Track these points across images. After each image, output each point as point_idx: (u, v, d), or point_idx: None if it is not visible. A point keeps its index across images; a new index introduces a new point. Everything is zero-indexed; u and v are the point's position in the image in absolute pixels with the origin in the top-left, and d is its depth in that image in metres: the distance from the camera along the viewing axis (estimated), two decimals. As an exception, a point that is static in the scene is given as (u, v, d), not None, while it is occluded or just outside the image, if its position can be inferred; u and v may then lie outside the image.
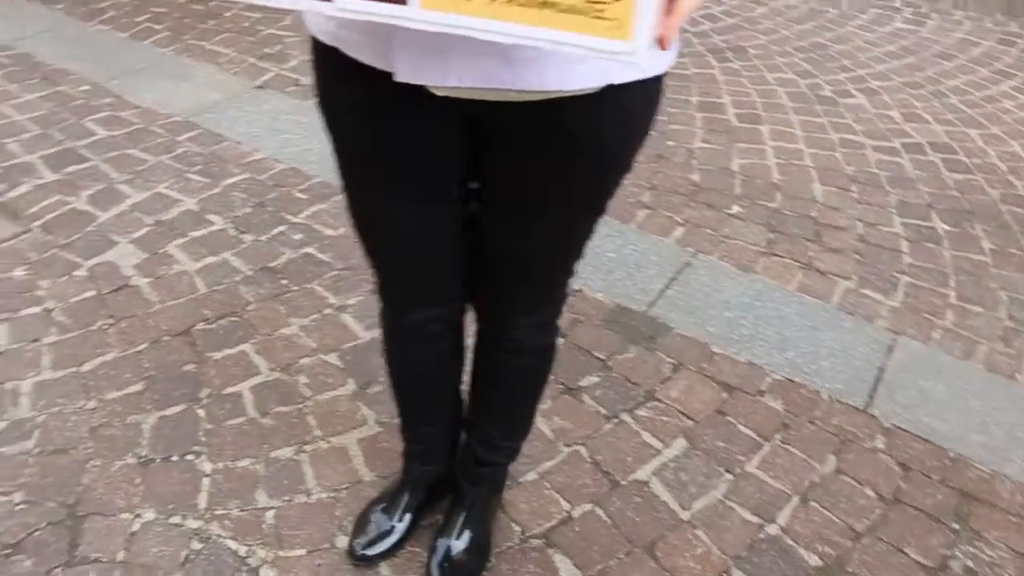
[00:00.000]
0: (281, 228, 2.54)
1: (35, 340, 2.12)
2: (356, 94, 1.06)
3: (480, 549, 1.65)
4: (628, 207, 2.71)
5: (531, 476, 1.83)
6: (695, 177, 2.92)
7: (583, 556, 1.68)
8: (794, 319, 2.29)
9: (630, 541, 1.71)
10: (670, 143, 3.11)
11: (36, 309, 2.22)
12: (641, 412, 1.99)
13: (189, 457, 1.84)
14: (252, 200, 2.67)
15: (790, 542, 1.72)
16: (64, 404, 1.95)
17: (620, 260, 2.46)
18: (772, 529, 1.75)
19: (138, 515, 1.72)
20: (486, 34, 0.66)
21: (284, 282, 2.33)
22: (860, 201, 2.85)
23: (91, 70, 3.47)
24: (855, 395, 2.06)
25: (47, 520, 1.71)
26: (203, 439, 1.88)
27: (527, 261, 1.24)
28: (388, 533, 1.65)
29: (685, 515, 1.77)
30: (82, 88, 3.34)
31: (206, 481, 1.79)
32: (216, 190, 2.72)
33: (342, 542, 1.68)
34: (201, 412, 1.94)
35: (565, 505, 1.77)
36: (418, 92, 0.97)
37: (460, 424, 1.65)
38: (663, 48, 0.70)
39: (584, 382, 2.06)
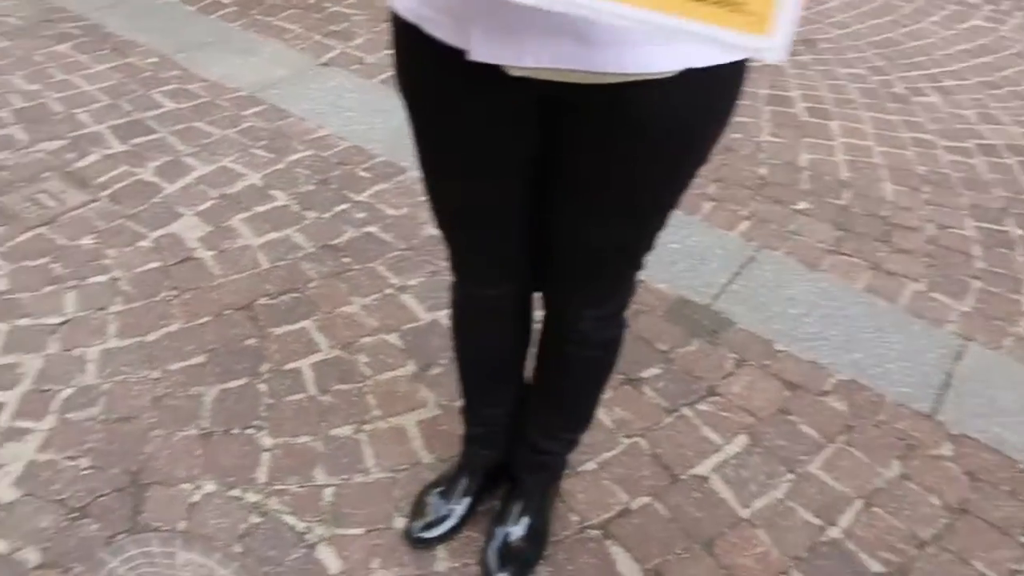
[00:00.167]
0: (344, 206, 2.55)
1: (102, 308, 2.15)
2: (433, 72, 1.06)
3: (537, 537, 1.64)
4: (694, 199, 2.67)
5: (590, 466, 1.81)
6: (762, 171, 2.87)
7: (641, 549, 1.66)
8: (860, 320, 2.24)
9: (689, 536, 1.69)
10: (737, 135, 3.05)
11: (103, 278, 2.25)
12: (702, 406, 1.97)
13: (249, 431, 1.85)
14: (315, 177, 2.68)
15: (852, 547, 1.69)
16: (128, 373, 1.98)
17: (684, 252, 2.42)
18: (834, 532, 1.71)
19: (199, 486, 1.74)
20: (616, 18, 0.63)
21: (346, 260, 2.33)
22: (931, 202, 2.78)
23: (159, 42, 3.50)
24: (921, 400, 2.01)
25: (112, 486, 1.73)
26: (263, 414, 1.89)
27: (597, 252, 1.23)
28: (446, 517, 1.65)
29: (745, 513, 1.74)
30: (150, 60, 3.37)
31: (266, 456, 1.80)
32: (280, 166, 2.73)
33: (399, 523, 1.68)
34: (262, 387, 1.95)
35: (623, 497, 1.76)
36: (493, 71, 0.96)
37: (521, 410, 1.64)
38: None
39: (646, 374, 2.04)
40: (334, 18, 3.80)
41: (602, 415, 1.91)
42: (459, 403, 1.65)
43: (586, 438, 1.68)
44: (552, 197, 1.18)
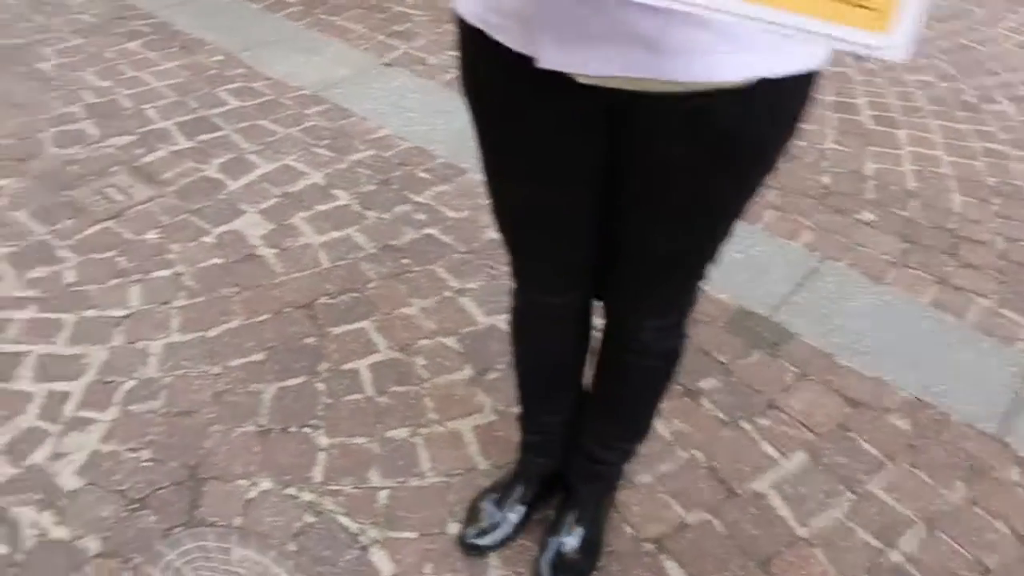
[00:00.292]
0: (405, 207, 2.56)
1: (165, 303, 2.19)
2: (499, 78, 1.05)
3: (591, 548, 1.63)
4: (755, 208, 2.63)
5: (646, 478, 1.80)
6: (826, 180, 2.82)
7: (696, 565, 1.64)
8: (926, 336, 2.19)
9: (745, 554, 1.66)
10: (801, 143, 3.00)
11: (167, 272, 2.29)
12: (761, 420, 1.94)
13: (306, 430, 1.87)
14: (377, 177, 2.69)
15: (913, 571, 1.65)
16: (190, 367, 2.01)
17: (745, 262, 2.39)
18: (895, 556, 1.67)
19: (255, 483, 1.76)
20: (728, 16, 0.61)
21: (405, 262, 2.34)
22: (1001, 214, 2.71)
23: (225, 40, 3.55)
24: (989, 421, 1.96)
25: (171, 479, 1.76)
26: (321, 413, 1.90)
27: (660, 261, 1.21)
28: (499, 524, 1.65)
29: (803, 532, 1.71)
30: (216, 58, 3.42)
31: (322, 455, 1.82)
32: (342, 165, 2.75)
33: (453, 529, 1.68)
34: (320, 386, 1.97)
35: (679, 511, 1.74)
36: (561, 78, 0.95)
37: (579, 418, 1.63)
38: None
39: (704, 385, 2.01)
40: (397, 18, 3.82)
41: (659, 426, 1.89)
42: (516, 410, 1.64)
43: (642, 449, 1.67)
44: (619, 205, 1.17)
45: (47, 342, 2.06)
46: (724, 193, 1.11)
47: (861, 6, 0.57)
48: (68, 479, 1.76)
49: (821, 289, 2.33)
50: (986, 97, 3.45)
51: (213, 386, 1.96)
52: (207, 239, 2.41)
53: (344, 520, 1.70)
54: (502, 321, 2.12)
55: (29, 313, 2.14)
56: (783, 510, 1.75)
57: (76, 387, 1.95)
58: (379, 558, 1.63)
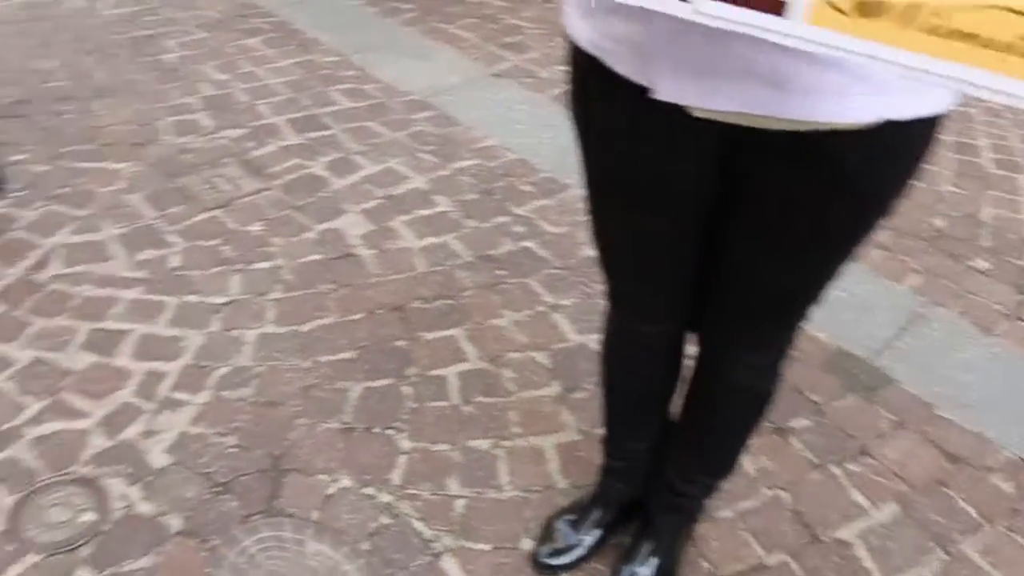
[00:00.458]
0: (504, 218, 2.56)
1: (262, 294, 2.23)
2: (610, 105, 1.04)
3: (665, 580, 1.59)
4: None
5: (727, 513, 1.75)
6: (939, 222, 2.72)
7: (773, 609, 1.59)
8: (1036, 394, 2.08)
9: (826, 604, 1.60)
10: (916, 183, 2.90)
11: (267, 264, 2.34)
12: (852, 466, 1.87)
13: (389, 432, 1.88)
14: (479, 186, 2.70)
15: (1005, 641, 1.56)
16: (281, 359, 2.04)
17: (848, 301, 2.31)
18: (987, 623, 1.59)
19: (335, 479, 1.77)
20: (881, 64, 0.57)
21: (501, 273, 2.34)
22: None
23: (340, 41, 3.62)
24: (1099, 490, 1.85)
25: (254, 467, 1.79)
26: (405, 416, 1.91)
27: (764, 298, 1.18)
28: (574, 546, 1.63)
29: (889, 588, 1.64)
30: (330, 58, 3.49)
31: (402, 458, 1.82)
32: (445, 172, 2.77)
33: (527, 545, 1.66)
34: (406, 389, 1.98)
35: (759, 551, 1.68)
36: (675, 110, 0.93)
37: (663, 447, 1.60)
38: None
39: (795, 424, 1.95)
40: (510, 30, 3.84)
41: (745, 462, 1.84)
42: (600, 432, 1.62)
43: (726, 484, 1.62)
44: (727, 239, 1.14)
45: (149, 322, 2.13)
46: (838, 233, 1.07)
47: None
48: (157, 457, 1.80)
49: (926, 335, 2.23)
50: (1118, 148, 3.28)
51: (302, 380, 1.99)
52: (308, 235, 2.45)
53: (419, 525, 1.70)
54: (593, 340, 2.09)
55: (134, 293, 2.21)
56: (868, 562, 1.68)
57: (172, 368, 2.00)
58: (450, 566, 1.62)
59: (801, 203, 1.02)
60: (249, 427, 1.87)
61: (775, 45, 0.60)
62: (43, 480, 1.74)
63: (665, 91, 0.91)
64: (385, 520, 1.70)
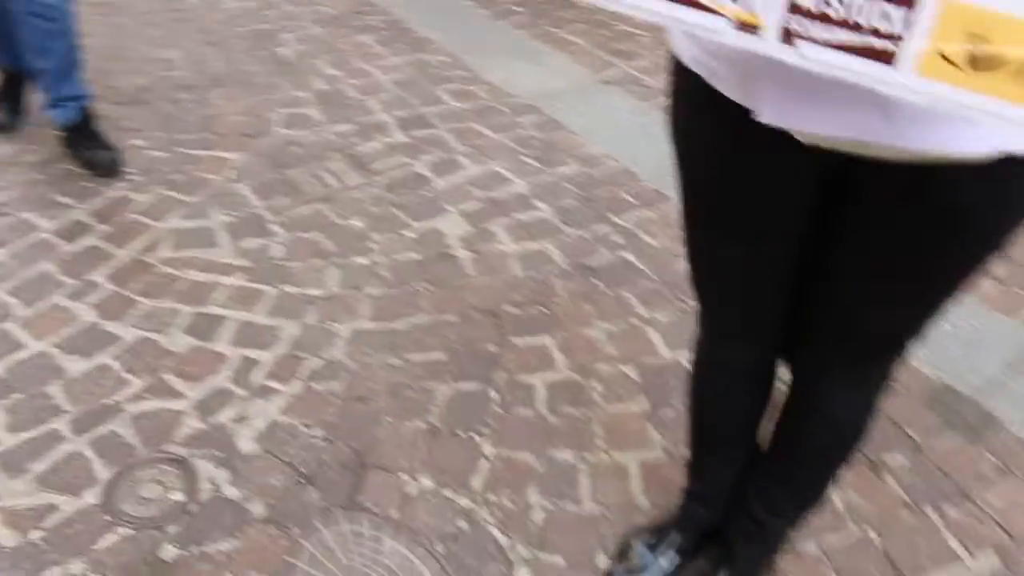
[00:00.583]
0: (604, 227, 2.52)
1: (358, 289, 2.25)
2: (711, 124, 1.01)
3: (742, 610, 1.54)
4: (977, 276, 2.43)
5: (811, 547, 1.68)
6: (1062, 257, 2.57)
7: (858, 654, 1.51)
8: None
9: (914, 653, 1.52)
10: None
11: (365, 260, 2.36)
12: (949, 510, 1.77)
13: (473, 436, 1.87)
14: (580, 193, 2.67)
15: None
16: (372, 356, 2.05)
17: (955, 335, 2.20)
18: None
19: (416, 479, 1.77)
20: (993, 119, 0.55)
21: (596, 283, 2.30)
22: None
23: (451, 42, 3.65)
24: None
25: (338, 461, 1.80)
26: (490, 421, 1.90)
27: (863, 330, 1.13)
28: (649, 567, 1.59)
29: (983, 643, 1.55)
30: (440, 58, 3.52)
31: (484, 464, 1.81)
32: (548, 177, 2.75)
33: (602, 562, 1.63)
34: (493, 394, 1.96)
35: (845, 591, 1.61)
36: (778, 135, 0.89)
37: (748, 475, 1.54)
38: None
39: (889, 460, 1.86)
40: (621, 37, 3.80)
41: (834, 496, 1.76)
42: (685, 454, 1.57)
43: (812, 517, 1.55)
44: (827, 269, 1.09)
45: (247, 310, 2.17)
46: (946, 268, 1.02)
47: None
48: (246, 443, 1.83)
49: (1041, 376, 2.11)
50: None
51: (391, 377, 2.00)
52: (407, 233, 2.47)
53: (495, 532, 1.68)
54: (685, 358, 2.04)
55: (236, 280, 2.26)
56: (964, 613, 1.59)
57: (267, 357, 2.04)
58: (524, 578, 1.61)
59: (908, 236, 0.97)
60: (336, 421, 1.89)
61: None
62: (139, 456, 1.79)
63: (769, 115, 0.88)
64: (462, 524, 1.69)
